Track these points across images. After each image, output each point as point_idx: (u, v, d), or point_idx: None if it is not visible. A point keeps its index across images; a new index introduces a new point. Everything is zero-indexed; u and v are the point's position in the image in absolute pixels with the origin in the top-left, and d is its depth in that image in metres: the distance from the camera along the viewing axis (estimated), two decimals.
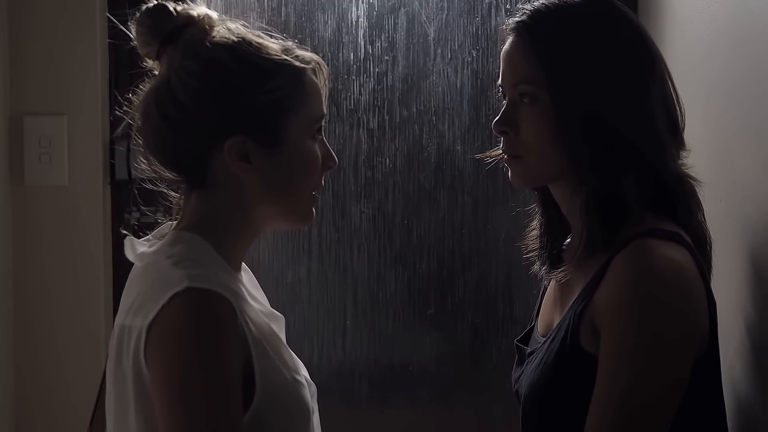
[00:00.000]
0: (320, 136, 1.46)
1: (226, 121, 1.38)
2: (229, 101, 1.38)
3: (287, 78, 1.40)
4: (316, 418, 1.47)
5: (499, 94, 1.53)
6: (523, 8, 1.50)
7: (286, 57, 1.41)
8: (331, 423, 1.63)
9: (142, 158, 1.45)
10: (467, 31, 2.46)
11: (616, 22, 1.48)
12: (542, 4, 1.49)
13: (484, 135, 2.47)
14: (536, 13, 1.48)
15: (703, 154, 1.63)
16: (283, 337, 1.48)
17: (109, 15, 2.16)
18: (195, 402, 1.26)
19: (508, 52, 1.50)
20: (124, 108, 1.45)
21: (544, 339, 1.51)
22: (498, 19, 2.45)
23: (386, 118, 2.48)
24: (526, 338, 1.64)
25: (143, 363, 1.31)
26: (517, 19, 1.50)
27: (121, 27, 1.45)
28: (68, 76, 2.25)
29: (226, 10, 2.42)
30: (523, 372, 1.55)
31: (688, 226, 1.46)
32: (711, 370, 1.43)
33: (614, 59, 1.45)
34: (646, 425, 1.34)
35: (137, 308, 1.34)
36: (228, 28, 1.42)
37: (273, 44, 1.42)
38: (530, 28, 1.47)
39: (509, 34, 1.50)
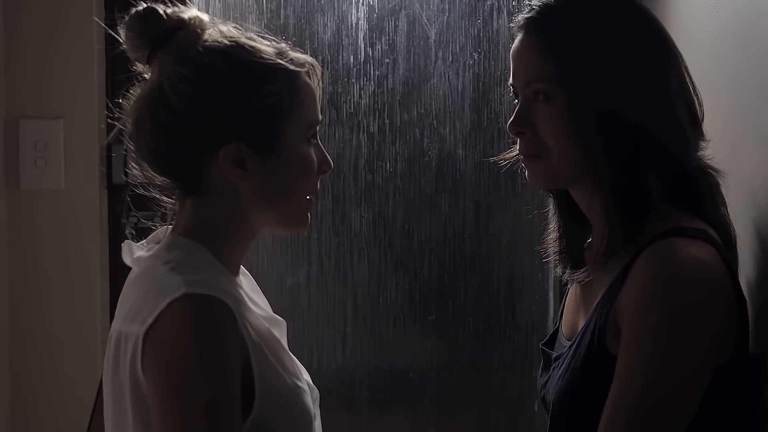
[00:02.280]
0: (315, 140, 1.44)
1: (220, 128, 1.36)
2: (223, 108, 1.36)
3: (282, 82, 1.38)
4: (318, 424, 1.45)
5: (511, 94, 1.50)
6: (531, 4, 1.47)
7: (280, 60, 1.39)
8: (331, 430, 1.61)
9: (134, 164, 1.42)
10: (468, 34, 2.45)
11: (628, 11, 1.44)
12: None
13: (485, 138, 2.46)
14: (545, 8, 1.45)
15: (709, 158, 1.61)
16: (284, 341, 1.47)
17: (96, 20, 2.14)
18: (193, 410, 1.24)
19: (519, 50, 1.46)
20: (116, 113, 1.43)
21: (570, 343, 1.47)
22: (500, 21, 2.43)
23: (387, 121, 2.47)
24: (551, 342, 1.60)
25: (140, 370, 1.30)
26: (525, 15, 1.46)
27: (111, 32, 1.42)
28: (64, 78, 2.24)
29: (225, 12, 2.41)
30: (549, 378, 1.51)
31: (714, 220, 1.42)
32: (741, 373, 1.39)
33: (630, 50, 1.42)
34: (662, 424, 1.31)
35: (134, 314, 1.32)
36: (220, 30, 1.40)
37: (266, 47, 1.40)
38: (540, 24, 1.44)
39: (518, 31, 1.47)
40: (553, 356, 1.53)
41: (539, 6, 1.45)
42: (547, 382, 1.52)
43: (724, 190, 1.50)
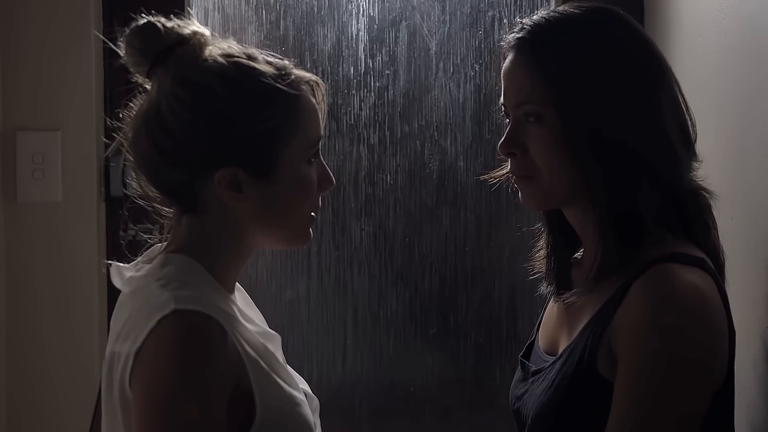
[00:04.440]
0: (317, 158, 1.42)
1: (217, 153, 1.35)
2: (220, 133, 1.34)
3: (281, 106, 1.36)
4: None
5: (502, 113, 1.48)
6: (522, 23, 1.45)
7: (280, 83, 1.36)
8: None
9: (132, 177, 1.41)
10: (470, 45, 2.43)
11: (621, 32, 1.43)
12: (542, 17, 1.44)
13: (487, 151, 2.44)
14: (536, 28, 1.43)
15: (714, 170, 1.59)
16: (279, 355, 1.45)
17: (97, 34, 2.12)
18: (176, 428, 1.23)
19: (510, 71, 1.44)
20: (116, 125, 1.42)
21: (554, 359, 1.46)
22: (501, 32, 2.41)
23: (387, 133, 2.45)
24: (527, 353, 1.59)
25: (127, 388, 1.28)
26: (516, 35, 1.44)
27: (111, 45, 1.41)
28: (62, 90, 2.22)
29: (224, 23, 2.39)
30: (527, 392, 1.50)
31: (705, 244, 1.41)
32: (726, 402, 1.38)
33: (621, 72, 1.40)
34: None
35: (126, 334, 1.31)
36: (220, 48, 1.38)
37: (267, 68, 1.37)
38: (531, 44, 1.42)
39: (509, 51, 1.45)
40: (532, 369, 1.52)
41: (530, 26, 1.44)
42: (523, 395, 1.50)
43: (730, 202, 1.49)
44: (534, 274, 1.60)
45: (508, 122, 1.45)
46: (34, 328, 2.24)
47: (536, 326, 1.62)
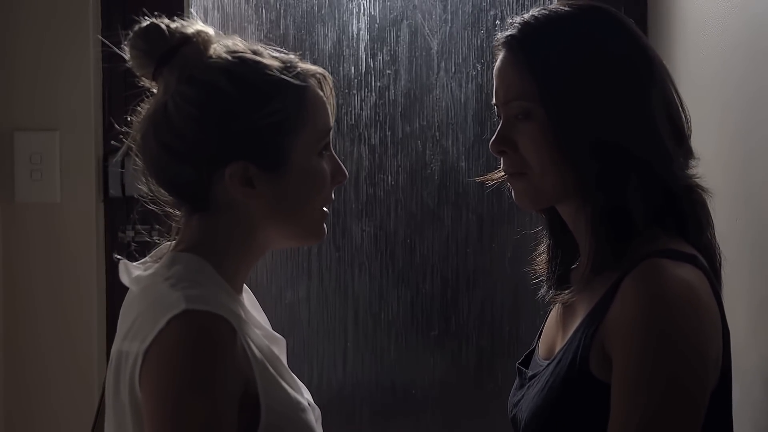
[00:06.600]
0: (328, 151, 1.42)
1: (225, 148, 1.34)
2: (227, 128, 1.34)
3: (288, 98, 1.36)
4: None
5: (496, 113, 1.48)
6: (513, 22, 1.45)
7: (286, 76, 1.36)
8: None
9: (140, 183, 1.41)
10: (471, 44, 2.42)
11: (610, 29, 1.43)
12: (531, 16, 1.44)
13: (488, 151, 2.42)
14: (526, 26, 1.43)
15: (719, 170, 1.58)
16: (284, 359, 1.45)
17: (101, 38, 2.11)
18: (186, 428, 1.22)
19: (500, 69, 1.45)
20: (123, 129, 1.41)
21: (548, 362, 1.45)
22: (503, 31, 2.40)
23: (388, 133, 2.44)
24: (527, 361, 1.58)
25: (138, 388, 1.27)
26: (506, 33, 1.45)
27: (115, 49, 1.40)
28: (60, 90, 2.22)
29: (224, 23, 2.39)
30: (523, 397, 1.49)
31: (699, 243, 1.40)
32: (722, 400, 1.36)
33: (610, 69, 1.40)
34: None
35: (135, 332, 1.30)
36: (225, 45, 1.38)
37: (272, 61, 1.38)
38: (521, 42, 1.42)
39: (500, 49, 1.46)
40: (528, 375, 1.51)
41: (520, 24, 1.44)
42: (519, 400, 1.50)
43: (735, 202, 1.48)
44: (536, 278, 1.59)
45: (501, 121, 1.45)
46: (31, 329, 2.24)
47: (537, 336, 1.61)
